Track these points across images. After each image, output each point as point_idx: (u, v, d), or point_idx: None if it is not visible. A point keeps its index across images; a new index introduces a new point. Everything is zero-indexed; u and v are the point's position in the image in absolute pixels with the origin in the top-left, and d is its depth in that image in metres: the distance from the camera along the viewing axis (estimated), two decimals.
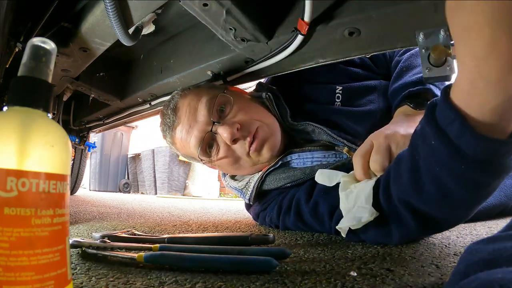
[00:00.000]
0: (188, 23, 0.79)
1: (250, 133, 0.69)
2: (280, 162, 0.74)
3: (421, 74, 0.69)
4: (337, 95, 0.78)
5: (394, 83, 0.75)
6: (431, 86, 0.68)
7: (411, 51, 0.78)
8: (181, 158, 3.21)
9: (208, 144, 0.71)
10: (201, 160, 0.74)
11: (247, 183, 0.79)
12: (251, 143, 0.69)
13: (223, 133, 0.67)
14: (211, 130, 0.69)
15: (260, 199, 0.80)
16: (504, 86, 0.30)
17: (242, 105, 0.73)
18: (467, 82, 0.32)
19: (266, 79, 0.90)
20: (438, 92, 0.67)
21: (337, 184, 0.56)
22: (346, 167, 0.64)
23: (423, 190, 0.42)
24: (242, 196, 0.82)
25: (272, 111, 0.77)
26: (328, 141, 0.74)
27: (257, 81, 0.86)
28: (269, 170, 0.74)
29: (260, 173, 0.76)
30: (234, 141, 0.68)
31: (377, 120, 0.75)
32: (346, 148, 0.67)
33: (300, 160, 0.74)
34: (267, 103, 0.78)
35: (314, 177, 0.60)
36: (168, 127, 0.74)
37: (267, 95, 0.77)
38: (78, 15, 0.64)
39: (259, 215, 0.81)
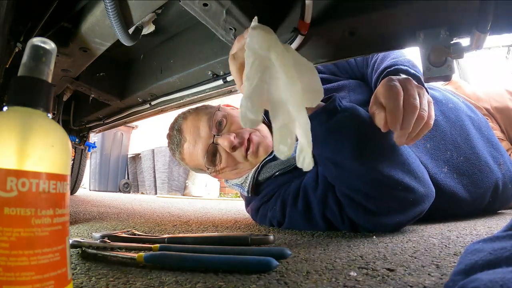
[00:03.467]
0: (188, 23, 0.79)
1: (244, 139, 0.79)
2: (274, 154, 0.83)
3: (395, 60, 0.74)
4: None
5: (374, 74, 0.81)
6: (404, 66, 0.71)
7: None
8: None
9: (212, 154, 0.82)
10: (208, 169, 0.84)
11: (245, 177, 0.87)
12: (247, 149, 0.79)
13: (223, 142, 0.78)
14: (213, 142, 0.80)
15: (258, 192, 0.85)
16: None
17: (235, 118, 0.84)
18: None
19: None
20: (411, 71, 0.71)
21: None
22: None
23: None
24: (241, 190, 0.89)
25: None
26: None
27: None
28: (265, 161, 0.83)
29: (257, 165, 0.84)
30: (233, 148, 0.78)
31: None
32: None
33: None
34: None
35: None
36: (177, 145, 0.87)
37: None
38: (78, 15, 0.64)
39: (259, 209, 0.83)
